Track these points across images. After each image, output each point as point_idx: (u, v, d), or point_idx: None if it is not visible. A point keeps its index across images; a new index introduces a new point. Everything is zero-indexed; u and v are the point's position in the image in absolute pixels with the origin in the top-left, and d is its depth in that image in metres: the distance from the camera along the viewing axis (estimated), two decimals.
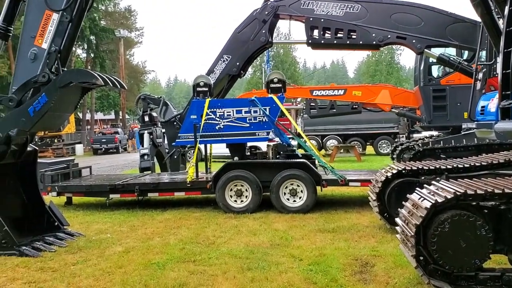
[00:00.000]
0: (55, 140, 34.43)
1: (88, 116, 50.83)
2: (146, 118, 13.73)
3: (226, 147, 9.87)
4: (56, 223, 7.26)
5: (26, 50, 6.53)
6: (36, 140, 32.99)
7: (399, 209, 4.93)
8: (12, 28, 6.83)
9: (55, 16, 6.52)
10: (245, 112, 9.35)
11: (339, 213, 8.69)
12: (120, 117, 50.68)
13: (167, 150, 13.64)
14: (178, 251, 6.35)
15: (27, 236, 6.83)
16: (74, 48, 46.13)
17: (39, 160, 10.31)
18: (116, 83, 6.80)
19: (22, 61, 6.56)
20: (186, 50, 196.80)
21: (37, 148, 7.35)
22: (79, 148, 36.36)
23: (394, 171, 6.88)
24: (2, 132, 6.30)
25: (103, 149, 35.43)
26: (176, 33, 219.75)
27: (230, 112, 9.36)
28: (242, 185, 9.00)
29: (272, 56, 70.00)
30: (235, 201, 8.99)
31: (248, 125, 9.31)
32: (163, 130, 13.66)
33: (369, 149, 24.27)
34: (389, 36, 10.99)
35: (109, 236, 7.33)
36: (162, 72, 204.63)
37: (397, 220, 4.86)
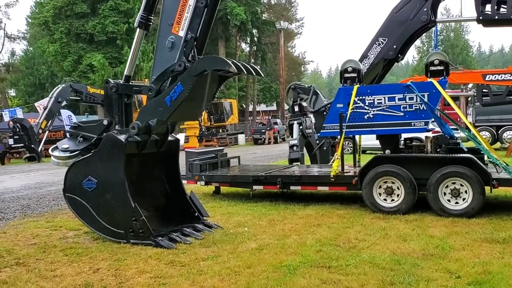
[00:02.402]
0: (220, 130, 36.43)
1: (251, 108, 52.99)
2: (296, 108, 13.40)
3: (376, 139, 8.90)
4: (196, 214, 7.20)
5: (164, 39, 6.48)
6: (203, 130, 35.31)
7: None
8: (152, 18, 6.87)
9: (191, 2, 6.33)
10: (399, 99, 8.25)
11: None
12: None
13: (317, 141, 13.09)
14: (313, 253, 5.73)
15: (167, 226, 6.88)
16: (238, 43, 48.61)
17: (188, 150, 10.67)
18: (252, 70, 6.39)
19: (160, 50, 6.53)
20: (348, 39, 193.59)
21: (178, 138, 7.36)
22: (241, 138, 38.05)
23: None
24: (141, 121, 6.35)
25: (263, 139, 36.45)
26: (338, 21, 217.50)
27: (381, 99, 8.36)
28: (393, 182, 7.99)
29: (441, 40, 64.79)
30: (385, 199, 8.02)
31: (402, 114, 8.21)
32: (313, 120, 13.17)
33: None
34: None
35: (246, 230, 7.03)
36: (323, 63, 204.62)
37: None
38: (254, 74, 6.41)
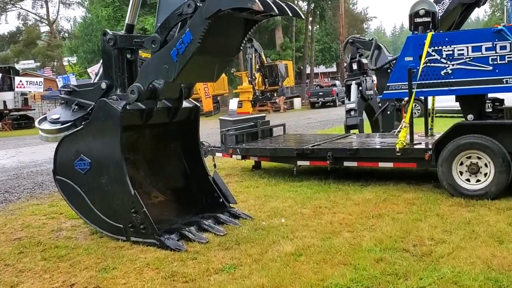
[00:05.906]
0: (275, 94, 34.59)
1: (308, 70, 50.57)
2: (354, 66, 11.46)
3: (456, 101, 6.95)
4: (221, 200, 5.72)
5: None
6: (257, 94, 33.54)
7: None
8: None
9: None
10: (487, 49, 6.26)
11: None
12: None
13: (379, 104, 11.16)
14: (371, 263, 4.08)
15: (186, 214, 5.50)
16: (295, 1, 45.91)
17: (223, 118, 9.14)
18: (287, 9, 4.66)
19: None
20: None
21: (198, 105, 5.82)
22: (297, 101, 36.10)
23: None
24: (143, 84, 4.83)
25: (320, 102, 34.38)
26: None
27: (463, 50, 6.40)
28: (479, 158, 6.10)
29: None
30: (468, 180, 6.16)
31: (490, 68, 6.24)
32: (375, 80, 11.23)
33: None
34: None
35: (283, 222, 5.46)
36: (387, 20, 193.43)
37: None
38: (290, 14, 4.68)
